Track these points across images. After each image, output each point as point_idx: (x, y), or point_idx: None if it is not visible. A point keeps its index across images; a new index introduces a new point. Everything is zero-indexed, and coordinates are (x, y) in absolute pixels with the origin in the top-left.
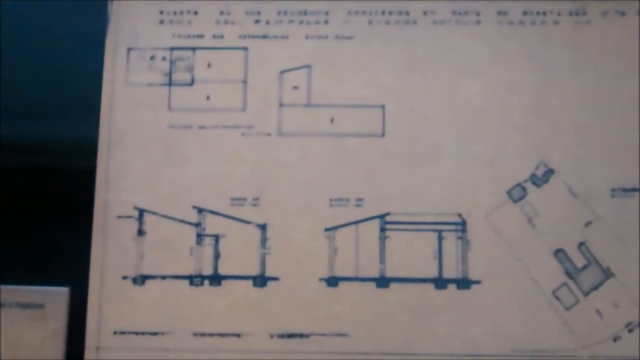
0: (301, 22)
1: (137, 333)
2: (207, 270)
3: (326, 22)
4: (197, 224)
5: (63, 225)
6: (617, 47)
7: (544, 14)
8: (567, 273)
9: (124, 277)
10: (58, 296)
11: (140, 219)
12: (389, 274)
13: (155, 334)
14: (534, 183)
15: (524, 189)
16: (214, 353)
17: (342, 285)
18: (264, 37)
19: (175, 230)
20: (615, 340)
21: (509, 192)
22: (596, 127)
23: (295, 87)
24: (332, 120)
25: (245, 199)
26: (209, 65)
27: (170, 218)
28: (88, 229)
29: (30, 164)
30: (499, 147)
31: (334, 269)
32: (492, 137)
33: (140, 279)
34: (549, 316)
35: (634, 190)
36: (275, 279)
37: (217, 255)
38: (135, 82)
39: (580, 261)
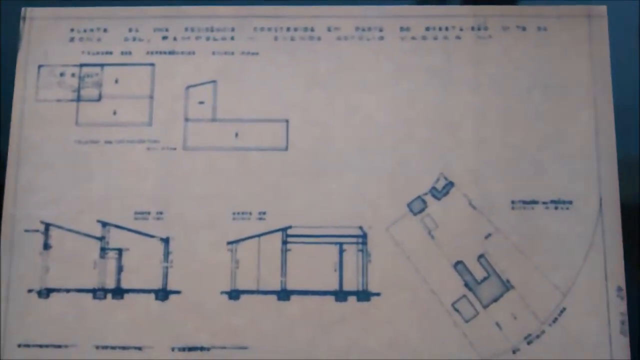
0: (208, 38)
1: (41, 346)
2: (110, 284)
3: (232, 38)
4: (101, 238)
5: None
6: (518, 62)
7: (447, 29)
8: (467, 285)
9: (30, 291)
10: None
11: (46, 233)
12: (290, 286)
13: (59, 346)
14: (434, 196)
15: (424, 201)
16: None
17: (244, 298)
18: (171, 53)
19: (79, 244)
20: (514, 352)
21: (409, 205)
22: (496, 141)
23: (201, 102)
24: (236, 135)
25: (149, 213)
26: (116, 81)
27: (75, 232)
28: None
29: None
30: (400, 160)
31: (235, 282)
32: (393, 150)
33: (45, 292)
34: (448, 328)
35: (533, 202)
36: (177, 292)
37: (120, 269)
38: (44, 98)
39: (479, 273)
